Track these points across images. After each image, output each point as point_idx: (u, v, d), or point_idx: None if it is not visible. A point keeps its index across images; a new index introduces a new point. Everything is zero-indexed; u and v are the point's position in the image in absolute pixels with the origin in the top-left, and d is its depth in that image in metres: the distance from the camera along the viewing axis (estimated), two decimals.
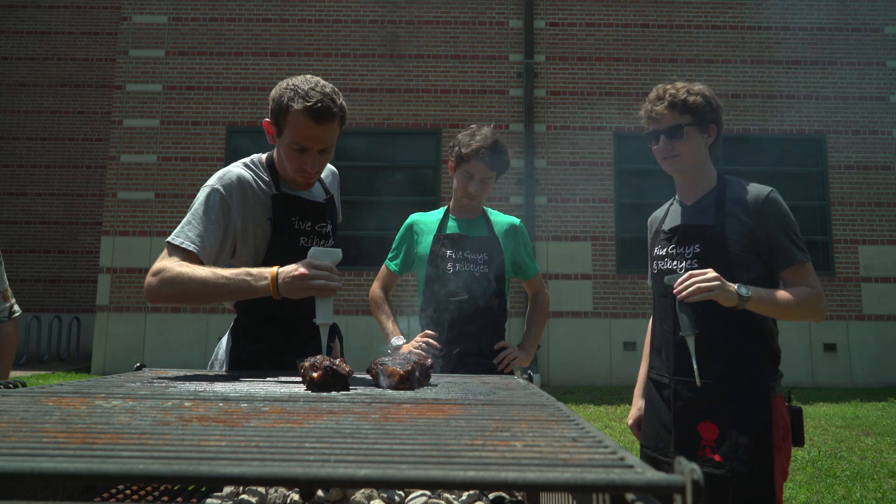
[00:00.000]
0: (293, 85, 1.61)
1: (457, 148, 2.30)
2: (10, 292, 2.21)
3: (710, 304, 1.79)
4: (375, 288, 2.49)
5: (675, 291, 1.71)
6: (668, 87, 1.89)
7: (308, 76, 1.65)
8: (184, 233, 1.58)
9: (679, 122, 1.84)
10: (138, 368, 1.57)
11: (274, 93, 1.64)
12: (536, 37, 9.40)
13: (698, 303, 1.78)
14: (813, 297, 1.73)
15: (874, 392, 8.00)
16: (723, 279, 1.67)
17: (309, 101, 1.57)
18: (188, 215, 1.62)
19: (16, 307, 2.22)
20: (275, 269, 1.47)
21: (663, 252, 1.92)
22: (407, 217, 2.51)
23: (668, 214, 2.00)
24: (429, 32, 9.45)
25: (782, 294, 1.72)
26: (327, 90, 1.61)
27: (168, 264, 1.52)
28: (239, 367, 1.74)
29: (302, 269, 1.44)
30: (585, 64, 9.37)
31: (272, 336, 1.77)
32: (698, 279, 1.67)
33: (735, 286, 1.68)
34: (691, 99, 1.83)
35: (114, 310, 8.85)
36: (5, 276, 2.20)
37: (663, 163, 1.91)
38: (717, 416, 1.74)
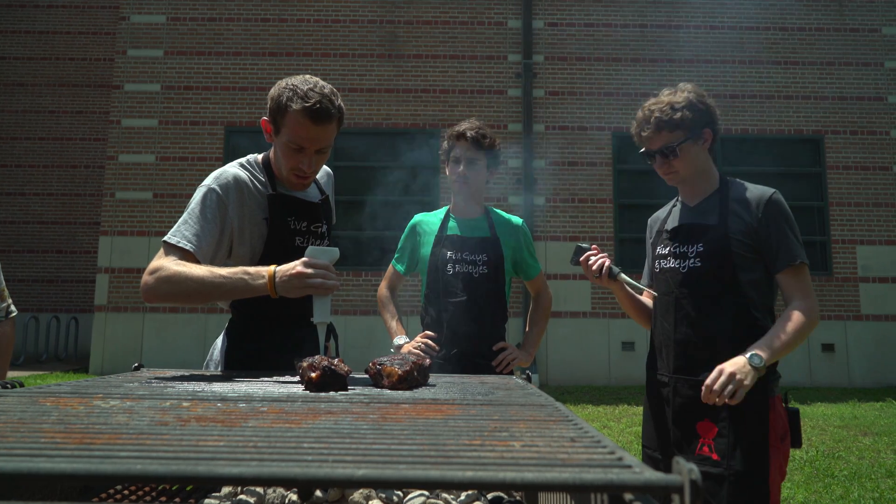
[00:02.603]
0: (292, 85, 1.61)
1: (445, 141, 2.38)
2: (6, 292, 2.20)
3: (707, 303, 1.80)
4: (382, 287, 2.54)
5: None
6: (653, 105, 1.84)
7: (307, 76, 1.65)
8: (180, 232, 1.58)
9: (670, 141, 1.82)
10: (136, 369, 1.57)
11: (273, 92, 1.65)
12: (535, 37, 9.40)
13: (693, 303, 1.81)
14: (806, 318, 1.70)
15: (872, 392, 8.01)
16: (731, 371, 1.63)
17: (308, 102, 1.57)
18: (185, 214, 1.62)
19: (12, 307, 2.22)
20: (272, 267, 1.47)
21: (666, 251, 1.93)
22: (407, 217, 2.52)
23: (671, 215, 2.00)
24: (427, 32, 9.44)
25: (783, 337, 1.68)
26: (326, 91, 1.61)
27: (165, 263, 1.52)
28: (234, 367, 1.73)
29: (300, 268, 1.43)
30: (584, 64, 9.37)
31: (267, 336, 1.77)
32: (728, 386, 1.62)
33: (745, 360, 1.64)
34: (678, 116, 1.79)
35: (112, 310, 8.84)
36: (2, 277, 2.20)
37: (664, 177, 1.93)
38: (715, 415, 1.74)
